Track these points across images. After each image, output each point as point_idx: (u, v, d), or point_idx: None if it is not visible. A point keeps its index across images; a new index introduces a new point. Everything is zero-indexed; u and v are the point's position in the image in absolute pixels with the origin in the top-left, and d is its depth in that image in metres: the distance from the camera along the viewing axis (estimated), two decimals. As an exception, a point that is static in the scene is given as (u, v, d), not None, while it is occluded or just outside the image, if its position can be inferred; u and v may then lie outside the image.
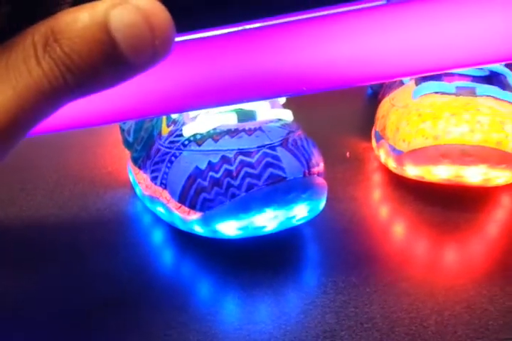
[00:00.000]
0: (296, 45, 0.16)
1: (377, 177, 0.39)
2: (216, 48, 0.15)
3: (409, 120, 0.34)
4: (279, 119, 0.29)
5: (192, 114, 0.29)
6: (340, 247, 0.31)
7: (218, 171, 0.26)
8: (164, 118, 0.31)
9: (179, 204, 0.28)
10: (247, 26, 0.15)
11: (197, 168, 0.27)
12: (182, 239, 0.31)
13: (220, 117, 0.28)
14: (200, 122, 0.28)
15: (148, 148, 0.31)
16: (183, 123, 0.29)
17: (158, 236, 0.32)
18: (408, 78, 0.38)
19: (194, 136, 0.28)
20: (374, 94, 0.48)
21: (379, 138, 0.39)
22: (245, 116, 0.28)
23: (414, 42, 0.16)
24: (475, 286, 0.28)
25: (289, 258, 0.30)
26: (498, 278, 0.28)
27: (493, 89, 0.34)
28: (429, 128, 0.33)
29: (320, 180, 0.28)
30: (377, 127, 0.40)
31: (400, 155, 0.35)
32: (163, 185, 0.29)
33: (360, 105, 0.52)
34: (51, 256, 0.31)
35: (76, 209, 0.35)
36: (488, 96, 0.34)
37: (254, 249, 0.30)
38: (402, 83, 0.39)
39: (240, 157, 0.26)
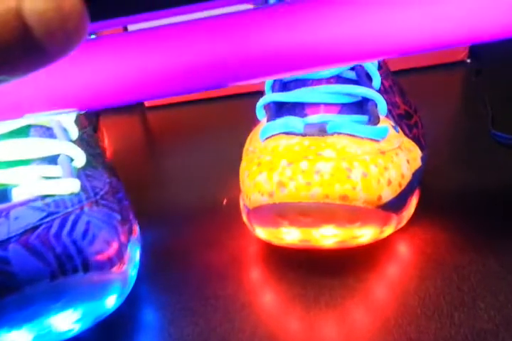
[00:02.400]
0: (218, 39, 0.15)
1: (245, 234, 0.32)
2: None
3: (249, 170, 0.28)
4: (46, 196, 0.22)
5: None
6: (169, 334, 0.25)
7: None
8: None
9: None
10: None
11: None
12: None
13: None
14: None
15: None
16: None
17: None
18: (263, 114, 0.32)
19: None
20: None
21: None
22: (-6, 198, 0.22)
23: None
24: None
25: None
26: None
27: (347, 124, 0.27)
28: (265, 182, 0.26)
29: (95, 277, 0.21)
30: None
31: (248, 212, 0.28)
32: None
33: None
34: None
35: None
36: (340, 133, 0.27)
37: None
38: (258, 120, 0.33)
39: (-45, 264, 0.19)
